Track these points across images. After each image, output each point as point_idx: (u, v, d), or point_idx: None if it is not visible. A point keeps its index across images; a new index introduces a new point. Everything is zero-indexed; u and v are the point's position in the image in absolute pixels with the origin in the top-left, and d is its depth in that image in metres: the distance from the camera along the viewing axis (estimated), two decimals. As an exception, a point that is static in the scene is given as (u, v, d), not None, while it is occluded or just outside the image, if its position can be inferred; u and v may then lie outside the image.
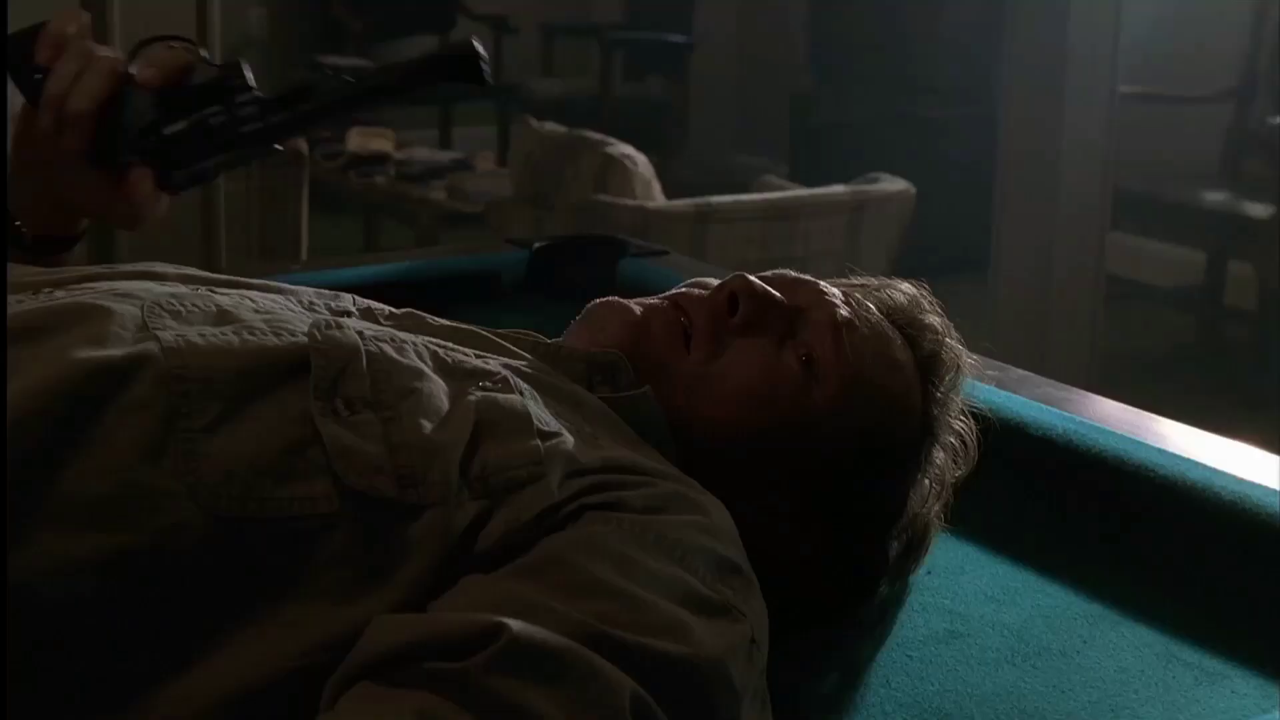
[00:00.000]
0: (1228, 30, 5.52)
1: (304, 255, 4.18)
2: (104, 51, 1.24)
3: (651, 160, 4.41)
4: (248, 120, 1.22)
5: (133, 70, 1.24)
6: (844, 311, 1.23)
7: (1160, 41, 5.47)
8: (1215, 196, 5.35)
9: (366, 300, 1.21)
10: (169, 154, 1.23)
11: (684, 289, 1.26)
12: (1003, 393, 1.56)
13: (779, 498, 1.20)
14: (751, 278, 1.22)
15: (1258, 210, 5.13)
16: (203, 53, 1.25)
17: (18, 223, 1.31)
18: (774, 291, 1.22)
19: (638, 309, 1.22)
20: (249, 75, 1.22)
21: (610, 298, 1.25)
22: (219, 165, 1.25)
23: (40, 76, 1.23)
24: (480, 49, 1.21)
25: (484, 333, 1.18)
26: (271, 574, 0.91)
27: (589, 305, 1.25)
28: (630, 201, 4.05)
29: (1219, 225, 5.32)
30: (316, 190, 4.58)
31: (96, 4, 3.30)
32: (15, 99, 1.26)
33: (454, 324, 1.18)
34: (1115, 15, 4.34)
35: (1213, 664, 1.24)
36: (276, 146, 1.25)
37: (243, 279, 1.18)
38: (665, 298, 1.24)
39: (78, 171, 1.27)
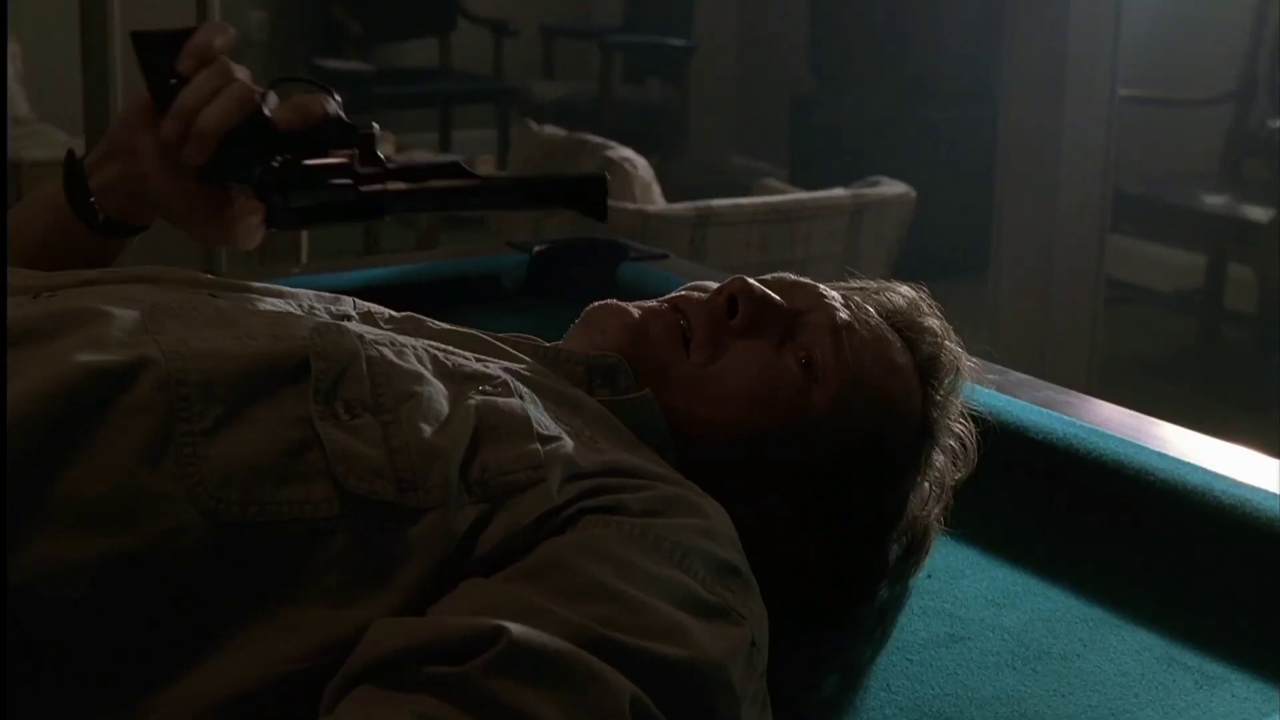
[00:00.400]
0: (1227, 33, 5.52)
1: (304, 258, 4.18)
2: (240, 73, 1.25)
3: (651, 163, 4.41)
4: (368, 182, 1.23)
5: (268, 104, 1.24)
6: (843, 314, 1.23)
7: (1160, 44, 5.48)
8: (1215, 199, 5.35)
9: (367, 303, 1.21)
10: (285, 193, 1.24)
11: (683, 292, 1.26)
12: (1003, 396, 1.56)
13: (778, 500, 1.20)
14: (751, 280, 1.22)
15: (1258, 213, 5.12)
16: (337, 102, 1.25)
17: (92, 199, 1.31)
18: (773, 294, 1.22)
19: (636, 312, 1.23)
20: (380, 141, 1.24)
21: (609, 301, 1.25)
22: (326, 217, 1.25)
23: (176, 83, 1.23)
24: (609, 182, 1.25)
25: (484, 336, 1.18)
26: (271, 577, 0.91)
27: (588, 308, 1.25)
28: (630, 205, 4.05)
29: (1219, 228, 5.32)
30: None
31: (97, 11, 3.29)
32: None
33: (454, 327, 1.18)
34: (1115, 18, 4.34)
35: (1213, 668, 1.24)
36: (385, 216, 1.26)
37: (243, 282, 1.18)
38: (664, 301, 1.24)
39: (183, 181, 1.26)
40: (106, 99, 3.37)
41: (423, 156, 5.24)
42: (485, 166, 6.42)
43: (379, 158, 1.24)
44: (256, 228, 1.28)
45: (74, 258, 1.32)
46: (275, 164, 1.23)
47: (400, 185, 1.23)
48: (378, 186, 1.23)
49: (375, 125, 1.25)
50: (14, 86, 5.40)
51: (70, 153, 1.33)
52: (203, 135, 1.23)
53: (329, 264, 2.54)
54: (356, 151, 1.24)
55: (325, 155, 1.23)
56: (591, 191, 1.24)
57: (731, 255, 3.98)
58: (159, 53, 1.24)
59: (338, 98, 1.25)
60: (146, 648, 0.88)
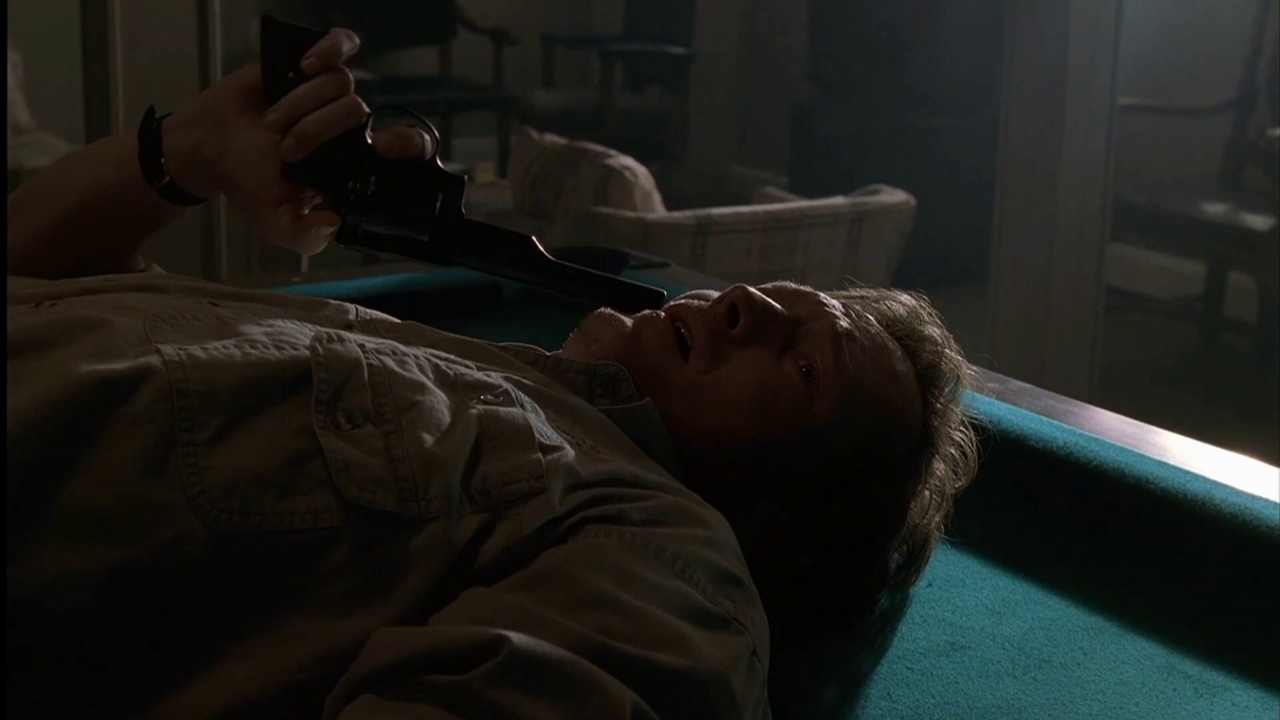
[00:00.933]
0: (1227, 42, 5.52)
1: (305, 267, 4.17)
2: (353, 85, 1.25)
3: (651, 171, 4.41)
4: (443, 229, 1.24)
5: (369, 127, 1.25)
6: (844, 323, 1.23)
7: (1160, 53, 5.48)
8: (1215, 208, 5.35)
9: (369, 311, 1.21)
10: (366, 216, 1.24)
11: (683, 300, 1.26)
12: (1003, 405, 1.56)
13: (779, 509, 1.20)
14: (751, 289, 1.22)
15: (1257, 222, 5.13)
16: (435, 143, 1.26)
17: (162, 159, 1.29)
18: (774, 303, 1.22)
19: (630, 321, 1.23)
20: (466, 193, 1.25)
21: (604, 310, 1.25)
22: (394, 248, 1.26)
23: (294, 77, 1.23)
24: (664, 297, 1.26)
25: (485, 345, 1.18)
26: (273, 587, 0.91)
27: (585, 318, 1.25)
28: (630, 213, 4.05)
29: (1219, 236, 5.33)
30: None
31: (98, 22, 3.30)
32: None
33: (456, 336, 1.18)
34: (1115, 27, 4.34)
35: (1213, 676, 1.24)
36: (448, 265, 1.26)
37: (244, 290, 1.19)
38: (663, 310, 1.24)
39: (262, 169, 1.25)
40: (107, 108, 3.38)
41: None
42: (485, 175, 6.42)
43: (460, 209, 1.25)
44: (322, 237, 1.27)
45: (116, 218, 1.33)
46: (369, 188, 1.23)
47: (470, 243, 1.25)
48: (448, 237, 1.24)
49: (467, 176, 1.25)
50: (15, 95, 5.41)
51: (151, 109, 1.31)
52: (305, 136, 1.22)
53: (329, 273, 2.54)
54: (441, 197, 1.24)
55: (412, 190, 1.24)
56: (649, 302, 1.26)
57: (732, 264, 3.98)
58: (285, 44, 1.24)
59: (437, 137, 1.26)
60: (148, 658, 0.88)
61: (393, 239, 1.25)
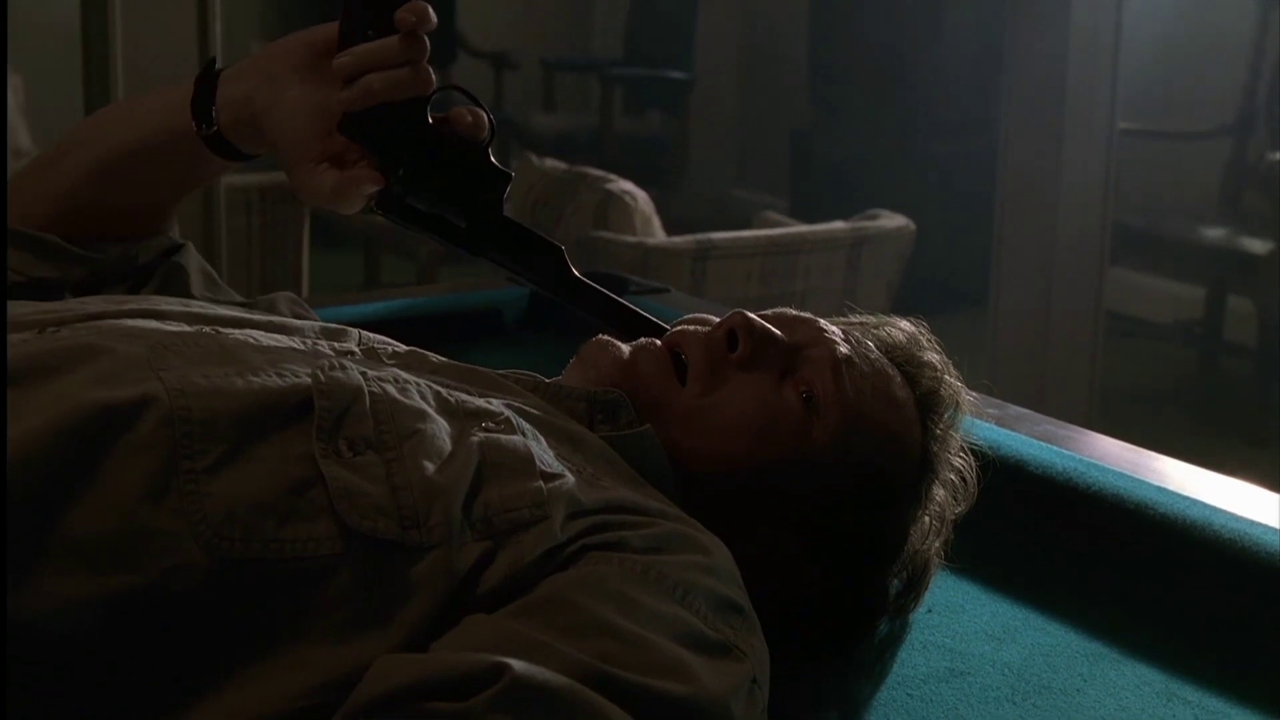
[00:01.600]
0: (1226, 66, 5.53)
1: (305, 291, 4.18)
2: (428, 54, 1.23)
3: (651, 195, 4.41)
4: (482, 220, 1.24)
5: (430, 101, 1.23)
6: (844, 349, 1.24)
7: (1159, 77, 5.49)
8: (1214, 232, 5.36)
9: (371, 335, 1.21)
10: (409, 184, 1.23)
11: (682, 326, 1.26)
12: (1003, 430, 1.57)
13: (778, 534, 1.20)
14: (750, 314, 1.23)
15: (1257, 246, 5.13)
16: (493, 131, 1.25)
17: (215, 108, 1.28)
18: (773, 328, 1.22)
19: (627, 348, 1.23)
20: (508, 193, 1.24)
21: (601, 336, 1.25)
22: (428, 227, 1.25)
23: (373, 34, 1.21)
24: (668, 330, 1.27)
25: (486, 372, 1.18)
26: (274, 614, 0.91)
27: (583, 345, 1.26)
28: (630, 238, 4.06)
29: (1218, 260, 5.33)
30: (317, 225, 4.59)
31: (99, 45, 3.31)
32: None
33: (457, 363, 1.18)
34: (1114, 51, 4.35)
35: (1213, 703, 1.24)
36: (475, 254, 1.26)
37: (246, 315, 1.19)
38: (662, 337, 1.25)
39: (318, 121, 1.23)
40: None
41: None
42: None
43: (501, 205, 1.24)
44: (362, 196, 1.23)
45: (159, 167, 1.33)
46: (422, 160, 1.22)
47: (503, 240, 1.25)
48: (485, 228, 1.24)
49: (513, 173, 1.25)
50: (16, 118, 5.41)
51: (212, 60, 1.31)
52: (370, 90, 1.20)
53: (330, 298, 2.54)
54: (487, 188, 1.24)
55: (461, 174, 1.23)
56: (651, 333, 1.26)
57: (731, 288, 3.98)
58: (370, 4, 1.22)
59: (495, 128, 1.25)
60: (149, 685, 0.88)
61: (430, 218, 1.24)
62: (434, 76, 1.23)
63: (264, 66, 1.26)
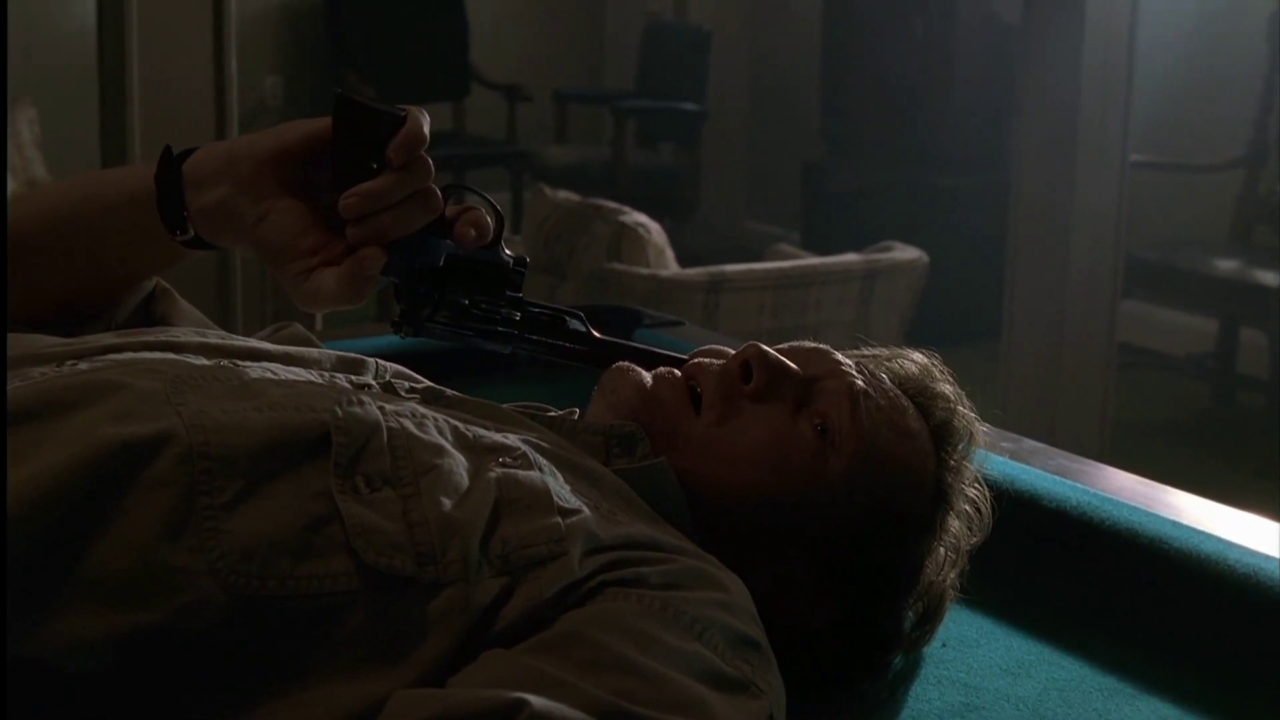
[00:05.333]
0: (1238, 99, 5.54)
1: (319, 324, 4.18)
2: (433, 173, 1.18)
3: (664, 227, 4.42)
4: (504, 321, 1.23)
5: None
6: (859, 381, 1.24)
7: (1171, 110, 5.50)
8: (1227, 264, 5.35)
9: (389, 365, 1.21)
10: (430, 301, 1.21)
11: (697, 359, 1.26)
12: (1016, 464, 1.56)
13: (793, 567, 1.20)
14: (765, 347, 1.23)
15: (1269, 278, 5.13)
16: (501, 223, 1.22)
17: (186, 212, 1.20)
18: (787, 360, 1.23)
19: (648, 375, 1.23)
20: (523, 279, 1.23)
21: (623, 364, 1.25)
22: (454, 339, 1.23)
23: (377, 167, 1.14)
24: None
25: (503, 407, 1.18)
26: (291, 651, 0.91)
27: (604, 374, 1.26)
28: (644, 270, 4.07)
29: (1231, 293, 5.33)
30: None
31: (115, 78, 3.32)
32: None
33: (473, 398, 1.19)
34: (1126, 84, 4.36)
35: (1228, 738, 1.24)
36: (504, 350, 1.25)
37: (263, 348, 1.19)
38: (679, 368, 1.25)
39: (308, 236, 1.16)
40: (124, 163, 3.39)
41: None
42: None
43: (519, 293, 1.23)
44: (373, 281, 1.16)
45: (127, 258, 1.27)
46: (443, 290, 1.20)
47: (531, 332, 1.24)
48: (508, 329, 1.23)
49: (527, 259, 1.23)
50: (31, 151, 5.43)
51: (167, 150, 1.22)
52: (383, 230, 1.14)
53: (344, 331, 2.54)
54: (506, 289, 1.22)
55: (480, 287, 1.22)
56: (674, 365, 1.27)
57: (744, 320, 3.99)
58: (364, 127, 1.16)
59: (503, 219, 1.22)
60: (167, 720, 0.89)
61: (459, 328, 1.22)
62: (440, 200, 1.18)
63: (232, 170, 1.19)
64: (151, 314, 1.33)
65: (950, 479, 1.28)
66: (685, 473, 1.17)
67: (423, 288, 1.20)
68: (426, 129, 1.16)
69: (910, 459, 1.25)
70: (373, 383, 1.16)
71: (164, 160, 1.22)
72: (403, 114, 1.16)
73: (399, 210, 1.15)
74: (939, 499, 1.27)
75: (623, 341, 1.29)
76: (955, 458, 1.29)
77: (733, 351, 1.25)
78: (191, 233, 1.21)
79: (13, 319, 1.23)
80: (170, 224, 1.21)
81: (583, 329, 1.27)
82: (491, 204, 1.23)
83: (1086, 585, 1.46)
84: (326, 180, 1.17)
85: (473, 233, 1.18)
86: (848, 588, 1.21)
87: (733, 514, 1.17)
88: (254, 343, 1.22)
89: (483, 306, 1.22)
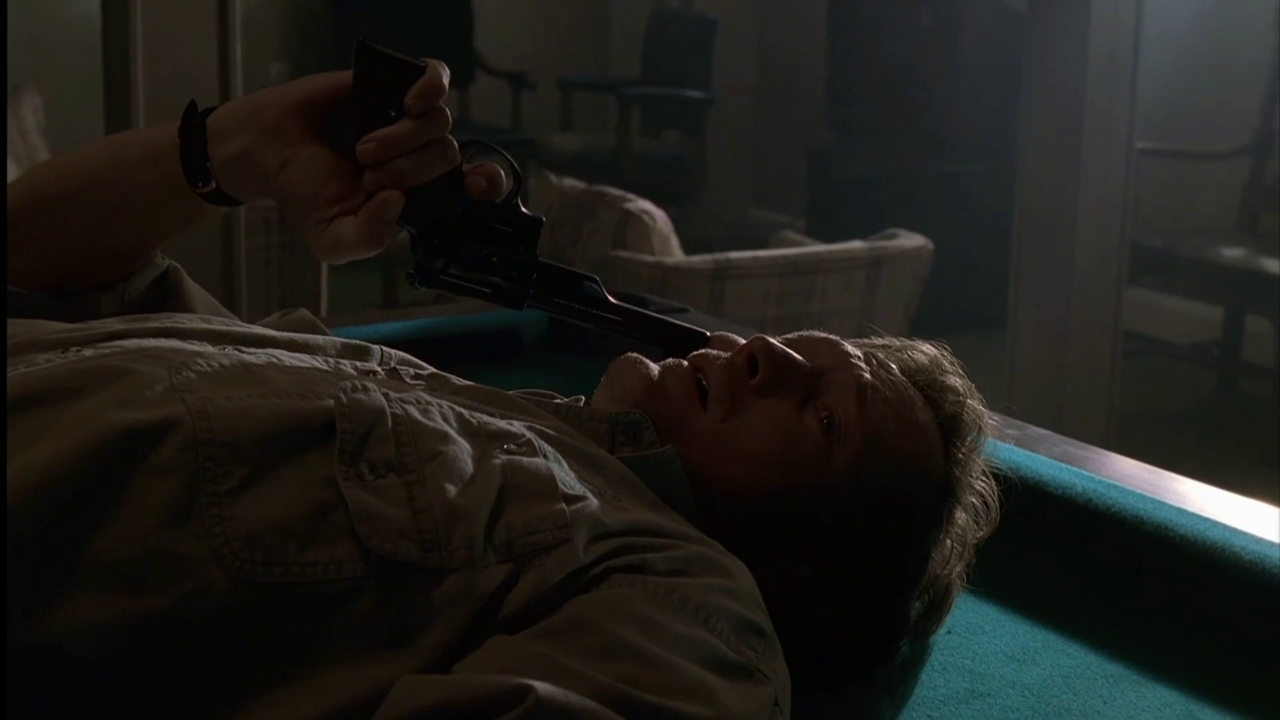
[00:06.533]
0: (1244, 87, 5.53)
1: (324, 311, 4.19)
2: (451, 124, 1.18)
3: (669, 215, 4.41)
4: (518, 277, 1.23)
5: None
6: (867, 374, 1.23)
7: (1177, 97, 5.49)
8: (1233, 252, 5.35)
9: (394, 352, 1.21)
10: (445, 252, 1.21)
11: (704, 350, 1.25)
12: (1022, 451, 1.56)
13: (800, 559, 1.19)
14: (771, 340, 1.22)
15: (1275, 266, 5.13)
16: (519, 180, 1.23)
17: (209, 164, 1.20)
18: (793, 354, 1.22)
19: (655, 366, 1.23)
20: (539, 237, 1.23)
21: (631, 354, 1.25)
22: (469, 292, 1.23)
23: (395, 115, 1.16)
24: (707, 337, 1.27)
25: (508, 394, 1.18)
26: (295, 638, 0.91)
27: (613, 362, 1.26)
28: (649, 257, 4.06)
29: (1237, 281, 5.32)
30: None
31: (120, 66, 3.32)
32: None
33: (478, 385, 1.18)
34: (1133, 71, 4.35)
35: (1234, 725, 1.24)
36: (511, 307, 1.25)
37: (268, 334, 1.18)
38: (686, 359, 1.25)
39: (331, 183, 1.17)
40: (129, 152, 3.37)
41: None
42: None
43: (534, 250, 1.23)
44: (392, 227, 1.17)
45: (153, 220, 1.27)
46: (457, 237, 1.20)
47: (535, 288, 1.24)
48: (517, 282, 1.23)
49: (543, 218, 1.23)
50: (36, 138, 5.43)
51: (192, 105, 1.23)
52: (402, 175, 1.16)
53: (349, 318, 2.55)
54: (521, 244, 1.22)
55: (495, 239, 1.22)
56: (698, 343, 1.27)
57: (749, 308, 3.98)
58: (382, 73, 1.17)
59: (520, 176, 1.23)
60: (170, 708, 0.89)
61: (473, 281, 1.23)
62: (457, 146, 1.19)
63: (256, 120, 1.20)
64: (163, 293, 1.34)
65: (958, 473, 1.27)
66: (690, 466, 1.17)
67: (438, 240, 1.21)
68: (446, 80, 1.17)
69: (917, 453, 1.25)
70: (378, 369, 1.16)
71: (188, 114, 1.23)
72: (423, 65, 1.17)
73: (417, 157, 1.16)
74: (946, 493, 1.27)
75: (639, 309, 1.29)
76: (963, 451, 1.28)
77: (742, 341, 1.25)
78: (214, 184, 1.22)
79: (31, 286, 1.24)
80: (193, 176, 1.22)
81: (598, 292, 1.26)
82: (510, 161, 1.24)
83: (1092, 572, 1.46)
84: (349, 133, 1.18)
85: (484, 183, 1.19)
86: (853, 582, 1.21)
87: (738, 507, 1.17)
88: (259, 329, 1.22)
89: (496, 261, 1.22)
